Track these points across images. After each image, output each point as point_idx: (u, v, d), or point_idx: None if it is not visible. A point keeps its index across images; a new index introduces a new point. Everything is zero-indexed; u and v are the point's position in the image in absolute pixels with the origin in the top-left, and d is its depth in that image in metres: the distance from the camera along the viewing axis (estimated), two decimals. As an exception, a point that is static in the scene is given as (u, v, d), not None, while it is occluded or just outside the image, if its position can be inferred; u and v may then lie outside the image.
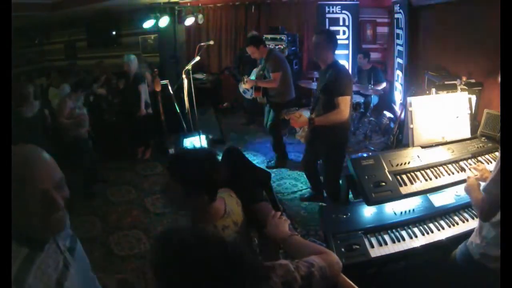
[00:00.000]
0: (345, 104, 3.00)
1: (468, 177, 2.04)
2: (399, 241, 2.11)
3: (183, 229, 0.99)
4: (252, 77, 4.83)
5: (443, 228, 2.18)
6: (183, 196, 1.39)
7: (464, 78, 3.40)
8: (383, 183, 2.23)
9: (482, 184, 1.83)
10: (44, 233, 1.06)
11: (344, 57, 6.66)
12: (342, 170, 3.35)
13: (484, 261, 1.74)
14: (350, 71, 6.64)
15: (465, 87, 3.26)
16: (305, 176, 4.07)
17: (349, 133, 3.44)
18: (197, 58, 4.40)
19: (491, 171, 1.88)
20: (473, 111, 3.05)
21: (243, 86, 4.83)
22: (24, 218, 0.99)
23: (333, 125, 3.07)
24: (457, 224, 2.20)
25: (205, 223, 1.46)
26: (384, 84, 5.79)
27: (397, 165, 2.38)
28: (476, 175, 2.06)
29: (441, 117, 2.59)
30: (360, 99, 5.67)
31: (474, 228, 1.94)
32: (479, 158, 2.52)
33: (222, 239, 0.97)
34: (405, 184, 2.27)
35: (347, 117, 3.06)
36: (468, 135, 2.68)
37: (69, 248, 1.15)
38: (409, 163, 2.40)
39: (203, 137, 4.64)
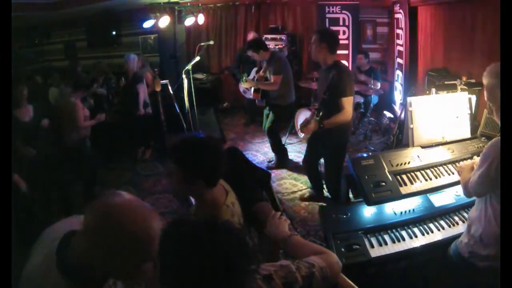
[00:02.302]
0: (349, 104, 3.08)
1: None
2: (399, 241, 2.11)
3: (194, 219, 0.99)
4: (251, 76, 4.82)
5: (443, 228, 2.18)
6: (185, 180, 1.42)
7: (464, 78, 3.40)
8: (383, 183, 2.23)
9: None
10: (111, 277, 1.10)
11: (344, 57, 6.66)
12: (343, 169, 3.36)
13: (473, 259, 1.75)
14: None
15: (465, 87, 3.26)
16: (305, 176, 4.07)
17: (349, 133, 3.46)
18: (197, 58, 4.40)
19: None
20: (473, 111, 3.05)
21: (242, 86, 4.82)
22: (113, 273, 1.03)
23: (340, 125, 3.12)
24: (457, 224, 2.20)
25: (217, 206, 1.49)
26: (379, 85, 5.75)
27: (397, 165, 2.38)
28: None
29: (441, 117, 2.59)
30: (360, 99, 5.66)
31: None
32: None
33: (233, 228, 0.97)
34: (405, 184, 2.27)
35: (351, 117, 3.14)
36: (468, 135, 2.68)
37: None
38: (409, 163, 2.40)
39: (203, 137, 4.63)
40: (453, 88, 3.26)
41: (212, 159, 1.43)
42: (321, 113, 3.15)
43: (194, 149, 1.43)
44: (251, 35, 5.87)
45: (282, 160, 4.78)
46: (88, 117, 4.19)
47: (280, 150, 4.78)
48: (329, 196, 3.69)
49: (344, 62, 6.65)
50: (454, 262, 1.89)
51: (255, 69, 5.13)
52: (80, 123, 3.99)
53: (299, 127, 3.34)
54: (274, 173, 4.56)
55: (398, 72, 5.83)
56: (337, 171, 3.37)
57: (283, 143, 5.01)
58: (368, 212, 2.30)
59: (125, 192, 1.06)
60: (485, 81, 1.70)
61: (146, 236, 0.98)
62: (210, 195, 1.50)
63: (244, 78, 4.67)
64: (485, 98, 1.75)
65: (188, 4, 6.72)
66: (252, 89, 4.66)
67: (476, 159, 2.32)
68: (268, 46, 4.61)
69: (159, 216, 1.06)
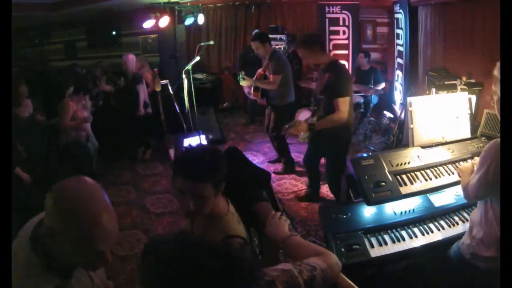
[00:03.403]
0: (344, 105, 3.00)
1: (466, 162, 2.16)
2: (399, 241, 2.11)
3: (174, 238, 0.93)
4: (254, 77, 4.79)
5: (443, 228, 2.18)
6: (192, 191, 1.34)
7: (464, 78, 3.40)
8: (383, 183, 2.23)
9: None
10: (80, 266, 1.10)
11: (344, 57, 6.67)
12: (344, 170, 3.36)
13: (475, 261, 1.75)
14: (349, 71, 6.67)
15: (465, 87, 3.26)
16: (305, 176, 4.06)
17: (350, 133, 3.43)
18: (197, 58, 4.39)
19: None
20: (473, 111, 3.05)
21: (241, 84, 4.77)
22: (70, 258, 1.02)
23: (335, 126, 3.07)
24: (457, 224, 2.20)
25: (223, 214, 1.45)
26: (383, 85, 5.78)
27: (397, 165, 2.38)
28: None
29: (441, 117, 2.59)
30: (360, 99, 5.67)
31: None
32: (478, 158, 2.51)
33: (220, 246, 0.93)
34: (405, 184, 2.27)
35: (346, 118, 3.05)
36: (468, 135, 2.68)
37: None
38: (409, 163, 2.40)
39: (203, 137, 4.63)
40: (453, 88, 3.26)
41: (221, 167, 1.39)
42: (316, 113, 3.14)
43: (203, 159, 1.37)
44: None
45: (289, 165, 4.69)
46: (88, 118, 4.19)
47: (287, 151, 4.72)
48: (333, 196, 3.67)
49: (344, 62, 6.68)
50: (454, 263, 1.89)
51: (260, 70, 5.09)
52: (64, 121, 3.99)
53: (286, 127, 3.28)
54: (274, 173, 4.56)
55: (398, 72, 5.84)
56: (337, 171, 3.36)
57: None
58: (368, 212, 2.30)
59: (87, 178, 1.06)
60: (494, 72, 1.69)
61: (95, 223, 0.98)
62: (214, 204, 1.46)
63: (240, 76, 4.62)
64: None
65: (188, 4, 6.71)
66: (252, 88, 4.65)
67: (476, 161, 2.33)
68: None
69: (112, 208, 1.05)
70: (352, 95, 3.20)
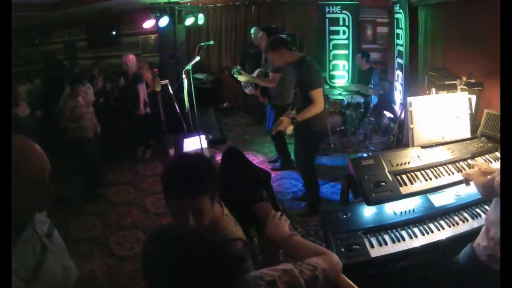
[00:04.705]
0: (319, 96, 3.20)
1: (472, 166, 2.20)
2: (399, 241, 2.11)
3: (175, 230, 0.94)
4: (253, 75, 4.79)
5: (443, 228, 2.18)
6: (186, 202, 1.27)
7: (464, 78, 3.41)
8: (383, 183, 2.23)
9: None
10: (27, 215, 1.13)
11: (344, 57, 6.67)
12: (312, 167, 3.56)
13: (490, 262, 1.72)
14: (350, 71, 6.68)
15: (465, 87, 3.27)
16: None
17: (321, 129, 3.51)
18: (197, 58, 4.39)
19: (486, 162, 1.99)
20: (473, 111, 3.06)
21: (238, 79, 4.75)
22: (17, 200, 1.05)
23: (315, 115, 3.24)
24: (457, 224, 2.20)
25: (218, 217, 1.41)
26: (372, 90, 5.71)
27: (397, 165, 2.38)
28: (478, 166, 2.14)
29: (441, 117, 2.59)
30: (360, 99, 5.66)
31: (474, 228, 1.93)
32: (479, 158, 2.52)
33: (222, 244, 0.92)
34: (405, 184, 2.27)
35: (322, 107, 3.26)
36: (468, 135, 2.68)
37: (46, 233, 1.21)
38: (409, 163, 2.40)
39: (203, 137, 4.63)
40: (453, 88, 3.27)
41: (215, 176, 1.34)
42: (295, 106, 3.29)
43: (198, 170, 1.30)
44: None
45: (287, 162, 4.72)
46: (85, 116, 4.17)
47: (284, 150, 4.73)
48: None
49: (344, 62, 6.69)
50: (462, 266, 1.85)
51: (258, 70, 5.09)
52: (62, 119, 4.03)
53: (272, 128, 3.43)
54: (274, 173, 4.56)
55: (398, 72, 5.83)
56: (304, 166, 3.43)
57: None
58: (368, 212, 2.30)
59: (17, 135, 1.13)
60: None
61: (25, 163, 1.05)
62: (211, 212, 1.44)
63: (235, 69, 4.57)
64: None
65: (188, 4, 6.72)
66: (253, 85, 4.65)
67: (479, 162, 2.32)
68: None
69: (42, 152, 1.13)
70: (323, 86, 3.37)
